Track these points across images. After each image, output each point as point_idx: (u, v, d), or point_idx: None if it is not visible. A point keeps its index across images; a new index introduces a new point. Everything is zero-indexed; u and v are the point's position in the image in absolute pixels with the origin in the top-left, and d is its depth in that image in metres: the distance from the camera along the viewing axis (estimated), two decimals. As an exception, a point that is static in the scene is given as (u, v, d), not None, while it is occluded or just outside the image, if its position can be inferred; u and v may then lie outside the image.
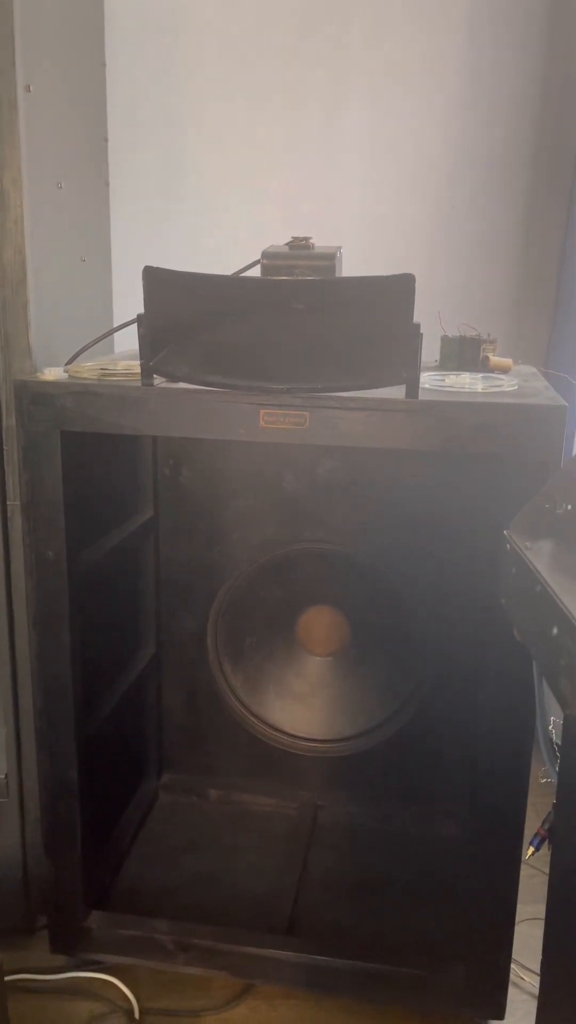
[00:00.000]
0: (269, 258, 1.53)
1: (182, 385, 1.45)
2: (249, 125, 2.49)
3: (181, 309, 1.38)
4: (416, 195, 2.54)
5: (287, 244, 1.55)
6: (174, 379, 1.45)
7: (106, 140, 2.24)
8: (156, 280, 1.36)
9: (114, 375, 1.52)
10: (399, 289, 1.31)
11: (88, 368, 1.55)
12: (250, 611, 2.07)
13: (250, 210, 2.54)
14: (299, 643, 2.10)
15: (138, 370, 1.53)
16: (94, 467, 1.71)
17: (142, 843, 2.00)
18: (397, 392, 1.40)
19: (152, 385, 1.44)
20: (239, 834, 2.06)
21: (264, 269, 1.52)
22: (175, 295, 1.37)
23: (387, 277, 1.31)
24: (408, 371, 1.35)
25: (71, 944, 1.73)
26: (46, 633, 1.56)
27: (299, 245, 1.53)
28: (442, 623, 1.97)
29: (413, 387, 1.36)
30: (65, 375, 1.50)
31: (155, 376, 1.44)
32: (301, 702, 2.12)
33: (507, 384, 1.49)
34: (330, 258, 1.51)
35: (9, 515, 1.63)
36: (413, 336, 1.33)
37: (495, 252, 2.56)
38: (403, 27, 2.43)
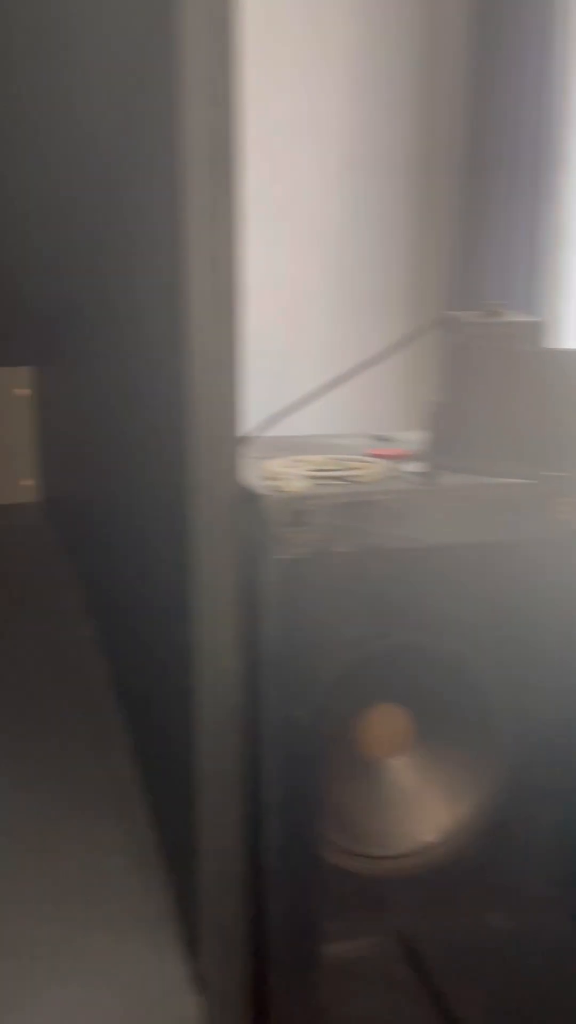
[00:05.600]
0: (462, 327, 1.34)
1: (447, 479, 1.21)
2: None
3: (478, 388, 1.16)
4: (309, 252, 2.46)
5: (479, 311, 1.37)
6: (453, 472, 1.21)
7: None
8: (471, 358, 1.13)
9: (333, 476, 1.22)
10: None
11: (291, 471, 1.23)
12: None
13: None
14: (361, 748, 1.85)
15: (333, 466, 1.27)
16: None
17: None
18: None
19: (434, 486, 1.18)
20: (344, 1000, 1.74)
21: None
22: (478, 370, 1.14)
23: None
24: None
25: None
26: (294, 816, 1.20)
27: (493, 312, 1.36)
28: (523, 709, 1.86)
29: None
30: (302, 485, 1.17)
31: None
32: (374, 815, 1.86)
33: None
34: (535, 328, 1.36)
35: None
36: None
37: (391, 308, 2.56)
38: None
